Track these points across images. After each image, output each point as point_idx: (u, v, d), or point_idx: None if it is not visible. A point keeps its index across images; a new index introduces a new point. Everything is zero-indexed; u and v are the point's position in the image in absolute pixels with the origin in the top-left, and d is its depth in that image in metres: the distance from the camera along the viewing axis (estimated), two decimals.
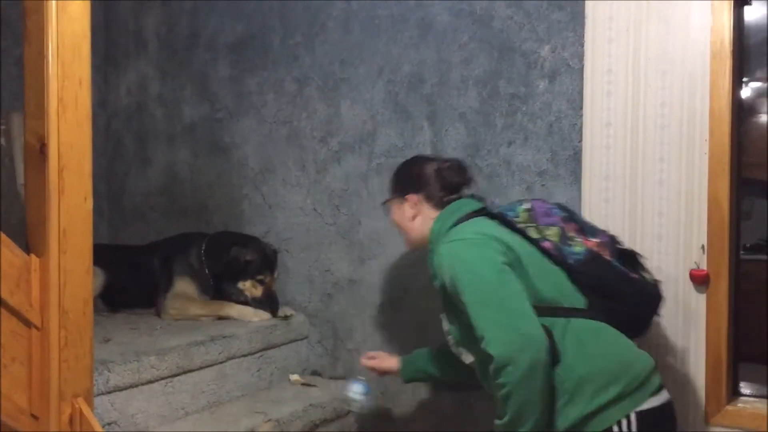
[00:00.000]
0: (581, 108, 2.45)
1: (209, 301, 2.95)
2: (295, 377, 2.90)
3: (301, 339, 3.00)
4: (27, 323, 1.86)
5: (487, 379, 1.80)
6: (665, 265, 2.30)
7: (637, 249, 2.16)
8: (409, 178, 2.13)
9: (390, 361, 2.41)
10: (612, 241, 1.96)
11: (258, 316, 2.88)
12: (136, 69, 3.54)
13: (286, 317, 2.93)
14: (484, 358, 1.75)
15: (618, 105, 2.37)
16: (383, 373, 2.45)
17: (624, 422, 1.71)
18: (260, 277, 2.92)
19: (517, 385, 1.66)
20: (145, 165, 3.51)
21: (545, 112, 2.53)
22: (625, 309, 1.84)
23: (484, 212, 1.99)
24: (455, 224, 1.95)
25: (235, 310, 2.89)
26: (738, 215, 2.32)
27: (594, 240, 1.91)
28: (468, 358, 1.95)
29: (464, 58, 2.68)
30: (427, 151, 2.78)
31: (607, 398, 1.71)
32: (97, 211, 3.58)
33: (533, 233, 1.89)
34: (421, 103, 2.78)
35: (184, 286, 3.00)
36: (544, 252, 1.86)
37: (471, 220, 1.95)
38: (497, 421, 1.75)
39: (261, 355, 2.79)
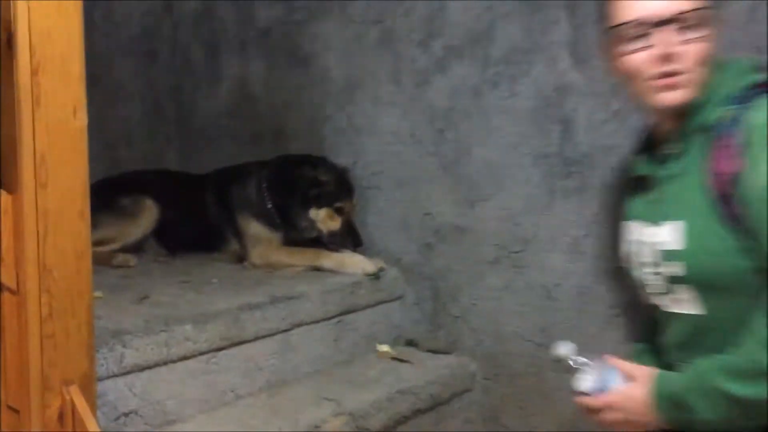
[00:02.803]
0: None
1: (301, 249, 2.42)
2: (383, 348, 2.30)
3: (393, 300, 2.38)
4: None
5: (702, 347, 1.24)
6: None
7: None
8: None
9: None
10: None
11: (362, 266, 2.30)
12: None
13: (375, 274, 2.30)
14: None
15: None
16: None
17: None
18: (338, 204, 2.36)
19: None
20: (216, 81, 2.97)
21: None
22: None
23: None
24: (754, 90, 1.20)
25: (333, 259, 2.34)
26: None
27: None
28: (680, 295, 1.26)
29: None
30: (564, 54, 2.02)
31: None
32: (165, 137, 3.10)
33: None
34: None
35: (256, 228, 2.50)
36: None
37: None
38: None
39: (339, 321, 2.20)
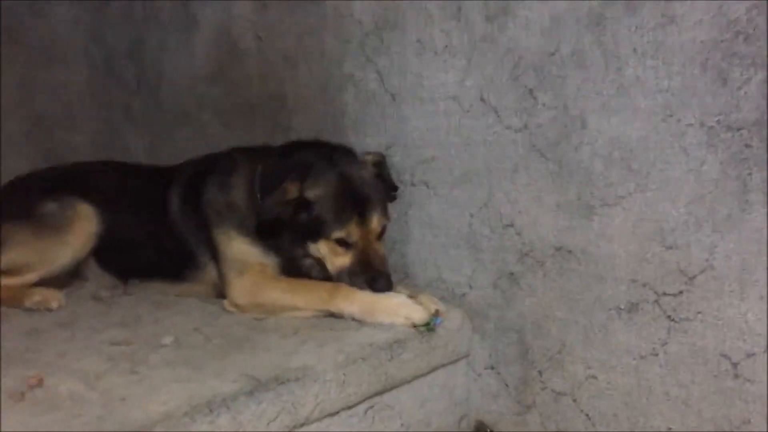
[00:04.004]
0: None
1: (308, 283, 1.62)
2: None
3: (456, 361, 1.58)
4: None
5: None
6: None
7: None
8: None
9: None
10: None
11: (405, 311, 1.50)
12: None
13: (427, 324, 1.48)
14: None
15: None
16: None
17: None
18: (338, 233, 1.57)
19: None
20: (189, 30, 2.24)
21: None
22: None
23: None
24: None
25: (358, 301, 1.54)
26: None
27: None
28: None
29: None
30: None
31: None
32: (123, 111, 2.30)
33: None
34: None
35: (240, 248, 1.70)
36: None
37: None
38: None
39: (371, 406, 1.41)
